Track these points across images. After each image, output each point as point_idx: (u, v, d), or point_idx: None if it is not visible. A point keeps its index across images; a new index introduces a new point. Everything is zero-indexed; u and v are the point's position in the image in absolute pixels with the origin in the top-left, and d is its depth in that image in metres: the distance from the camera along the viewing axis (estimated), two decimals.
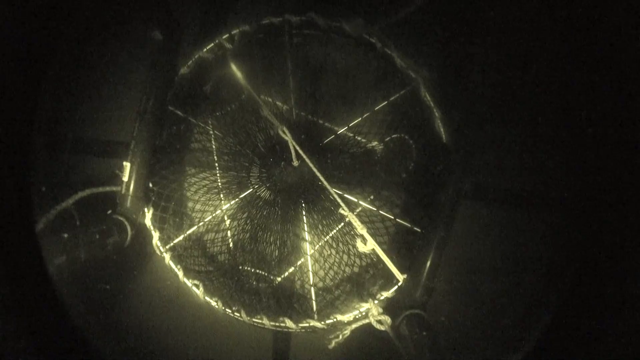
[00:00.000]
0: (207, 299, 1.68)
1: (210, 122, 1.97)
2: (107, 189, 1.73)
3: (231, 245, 1.95)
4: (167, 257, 1.72)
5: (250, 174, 1.95)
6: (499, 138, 1.83)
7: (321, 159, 1.84)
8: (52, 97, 1.62)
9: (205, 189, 1.95)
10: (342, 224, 1.86)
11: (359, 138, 1.90)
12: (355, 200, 1.84)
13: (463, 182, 1.65)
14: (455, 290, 1.81)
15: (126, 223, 1.67)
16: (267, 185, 1.91)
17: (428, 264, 1.57)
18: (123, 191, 1.69)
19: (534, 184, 1.84)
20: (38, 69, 1.37)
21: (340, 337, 1.61)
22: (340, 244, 1.87)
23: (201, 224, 1.92)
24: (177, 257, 1.76)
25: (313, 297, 1.82)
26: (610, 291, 1.26)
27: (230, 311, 1.67)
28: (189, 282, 1.70)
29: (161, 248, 1.74)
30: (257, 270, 1.87)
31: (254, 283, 1.86)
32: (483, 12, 1.78)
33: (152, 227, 1.73)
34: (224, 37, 1.82)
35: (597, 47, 1.34)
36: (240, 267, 1.89)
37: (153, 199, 1.78)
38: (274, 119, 1.76)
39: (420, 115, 1.77)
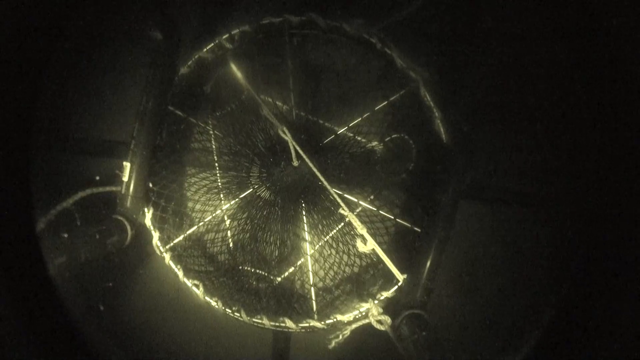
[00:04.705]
0: (207, 299, 1.68)
1: (210, 122, 1.97)
2: (107, 189, 1.73)
3: (231, 245, 1.95)
4: (167, 257, 1.72)
5: (250, 174, 1.95)
6: (499, 138, 1.83)
7: (321, 159, 1.84)
8: (52, 96, 1.62)
9: (205, 189, 1.95)
10: (342, 224, 1.86)
11: (359, 138, 1.89)
12: (355, 200, 1.84)
13: (463, 182, 1.65)
14: (455, 290, 1.81)
15: (126, 223, 1.67)
16: (267, 185, 1.91)
17: (428, 264, 1.58)
18: (123, 191, 1.69)
19: (534, 184, 1.84)
20: (38, 69, 1.37)
21: (340, 337, 1.61)
22: (340, 244, 1.87)
23: (201, 224, 1.92)
24: (177, 257, 1.76)
25: (313, 297, 1.82)
26: (610, 291, 1.26)
27: (230, 311, 1.67)
28: (189, 282, 1.70)
29: (161, 248, 1.74)
30: (257, 270, 1.87)
31: (254, 283, 1.86)
32: (483, 12, 1.78)
33: (152, 227, 1.73)
34: (224, 37, 1.82)
35: (597, 46, 1.34)
36: (240, 267, 1.89)
37: (153, 199, 1.78)
38: (274, 119, 1.76)
39: (420, 115, 1.77)
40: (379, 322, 1.54)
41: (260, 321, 1.65)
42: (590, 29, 1.33)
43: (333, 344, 1.61)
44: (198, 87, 1.91)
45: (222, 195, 1.95)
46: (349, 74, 1.85)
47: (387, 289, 1.66)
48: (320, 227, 1.89)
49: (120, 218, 1.66)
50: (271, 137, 1.91)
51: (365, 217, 1.86)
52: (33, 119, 1.37)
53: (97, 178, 1.74)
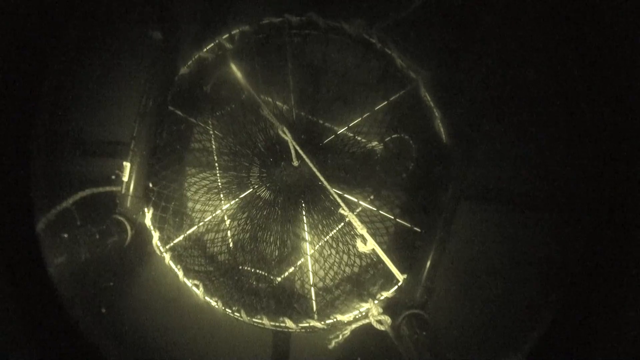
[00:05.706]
0: (207, 299, 1.68)
1: (210, 122, 1.97)
2: (107, 189, 1.73)
3: (231, 245, 1.95)
4: (167, 257, 1.72)
5: (250, 174, 1.95)
6: (499, 138, 1.84)
7: (321, 159, 1.83)
8: (52, 97, 1.62)
9: (205, 189, 1.95)
10: (342, 224, 1.86)
11: (359, 138, 1.89)
12: (355, 200, 1.84)
13: (463, 182, 1.65)
14: (455, 290, 1.82)
15: (126, 223, 1.67)
16: (267, 185, 1.91)
17: (428, 264, 1.57)
18: (123, 191, 1.69)
19: (534, 184, 1.84)
20: (38, 69, 1.37)
21: (340, 337, 1.61)
22: (340, 244, 1.87)
23: (201, 224, 1.92)
24: (177, 257, 1.76)
25: (313, 297, 1.82)
26: (610, 291, 1.26)
27: (230, 311, 1.67)
28: (189, 282, 1.70)
29: (161, 248, 1.74)
30: (257, 270, 1.87)
31: (254, 283, 1.86)
32: (483, 11, 1.78)
33: (152, 227, 1.73)
34: (224, 37, 1.82)
35: (597, 46, 1.34)
36: (240, 267, 1.89)
37: (153, 199, 1.78)
38: (274, 119, 1.76)
39: (420, 115, 1.77)
40: (379, 322, 1.54)
41: (260, 321, 1.65)
42: (592, 29, 1.33)
43: (333, 344, 1.61)
44: (198, 87, 1.91)
45: (222, 195, 1.95)
46: (349, 74, 1.85)
47: (387, 289, 1.66)
48: (320, 227, 1.89)
49: (120, 218, 1.66)
50: (271, 137, 1.91)
51: (365, 217, 1.86)
52: (33, 119, 1.37)
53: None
